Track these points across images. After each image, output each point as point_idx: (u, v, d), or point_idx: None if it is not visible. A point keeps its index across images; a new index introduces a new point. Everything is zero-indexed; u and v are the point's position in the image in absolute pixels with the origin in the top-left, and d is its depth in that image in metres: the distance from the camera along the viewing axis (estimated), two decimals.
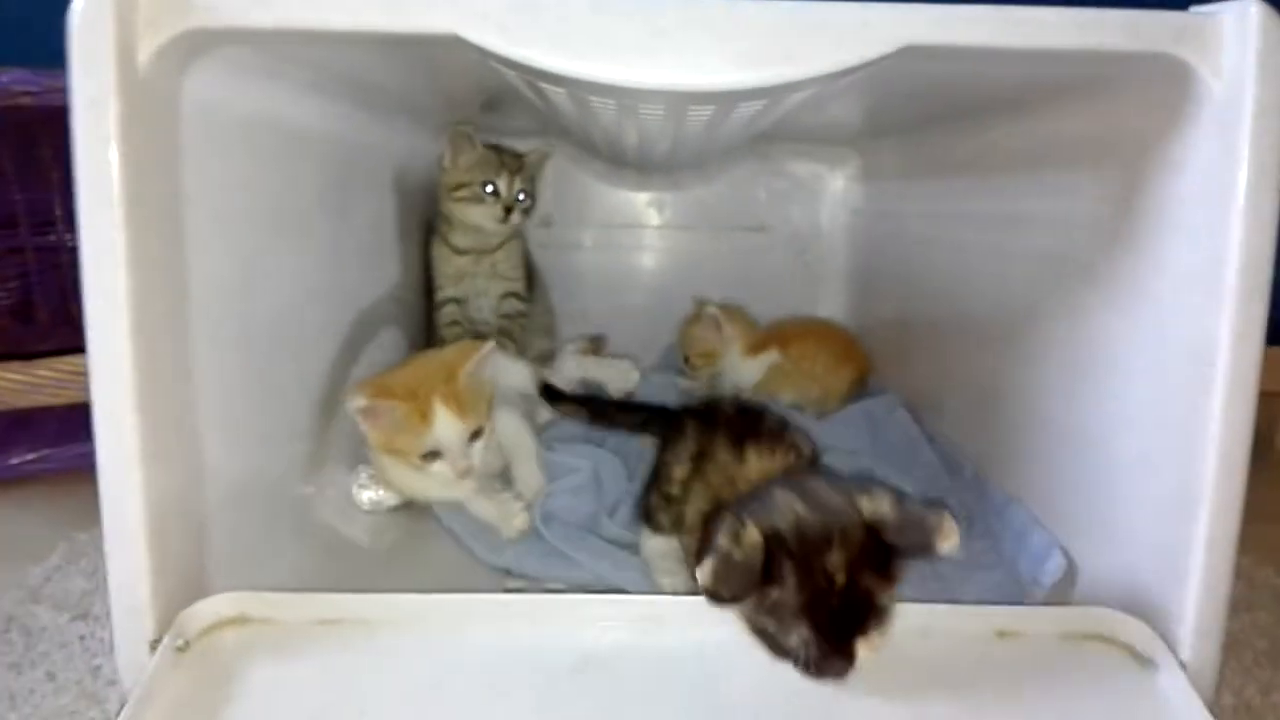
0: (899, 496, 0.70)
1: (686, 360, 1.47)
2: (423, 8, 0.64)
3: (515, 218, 1.32)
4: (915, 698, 0.68)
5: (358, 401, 0.95)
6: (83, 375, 1.08)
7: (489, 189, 1.29)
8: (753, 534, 0.67)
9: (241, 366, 0.83)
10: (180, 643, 0.69)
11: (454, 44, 0.65)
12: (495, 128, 1.37)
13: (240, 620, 0.72)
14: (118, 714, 0.76)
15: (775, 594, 0.67)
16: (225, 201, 0.79)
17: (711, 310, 1.43)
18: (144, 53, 0.64)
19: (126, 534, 0.68)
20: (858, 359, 1.43)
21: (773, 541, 0.67)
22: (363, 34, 0.66)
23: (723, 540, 0.67)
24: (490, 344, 1.02)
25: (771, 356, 1.41)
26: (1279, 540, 1.11)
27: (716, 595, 0.66)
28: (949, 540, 0.66)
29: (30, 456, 1.23)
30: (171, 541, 0.71)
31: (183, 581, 0.72)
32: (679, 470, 0.93)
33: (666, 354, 1.56)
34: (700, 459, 0.92)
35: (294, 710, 0.66)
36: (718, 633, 0.72)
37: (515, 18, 0.64)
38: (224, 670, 0.68)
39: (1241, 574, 1.01)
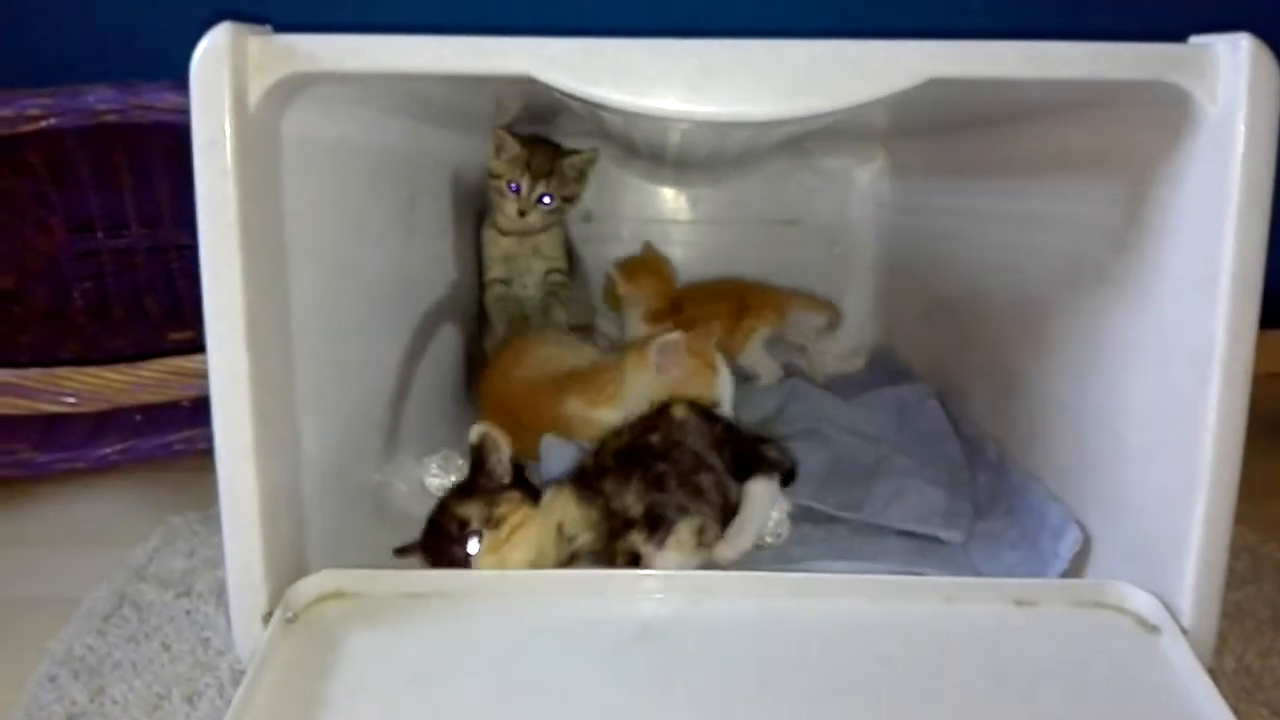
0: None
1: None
2: (499, 52, 0.72)
3: (533, 218, 1.41)
4: (944, 658, 0.75)
5: (670, 339, 1.14)
6: (180, 375, 1.20)
7: (513, 187, 1.39)
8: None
9: (329, 365, 0.91)
10: (289, 615, 0.77)
11: (526, 81, 0.73)
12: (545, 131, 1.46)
13: (339, 594, 0.80)
14: (230, 680, 0.86)
15: None
16: (317, 218, 0.87)
17: (610, 272, 1.55)
18: (254, 95, 0.72)
19: (243, 519, 0.76)
20: (755, 309, 1.54)
21: None
22: (444, 75, 0.74)
23: None
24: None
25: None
26: None
27: None
28: None
29: (117, 447, 1.32)
30: (279, 526, 0.79)
31: (288, 561, 0.80)
32: None
33: None
34: None
35: (392, 672, 0.73)
36: (763, 604, 0.80)
37: (582, 60, 0.71)
38: (328, 638, 0.75)
39: (1248, 548, 1.09)
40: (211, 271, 0.73)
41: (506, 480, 0.93)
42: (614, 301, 1.60)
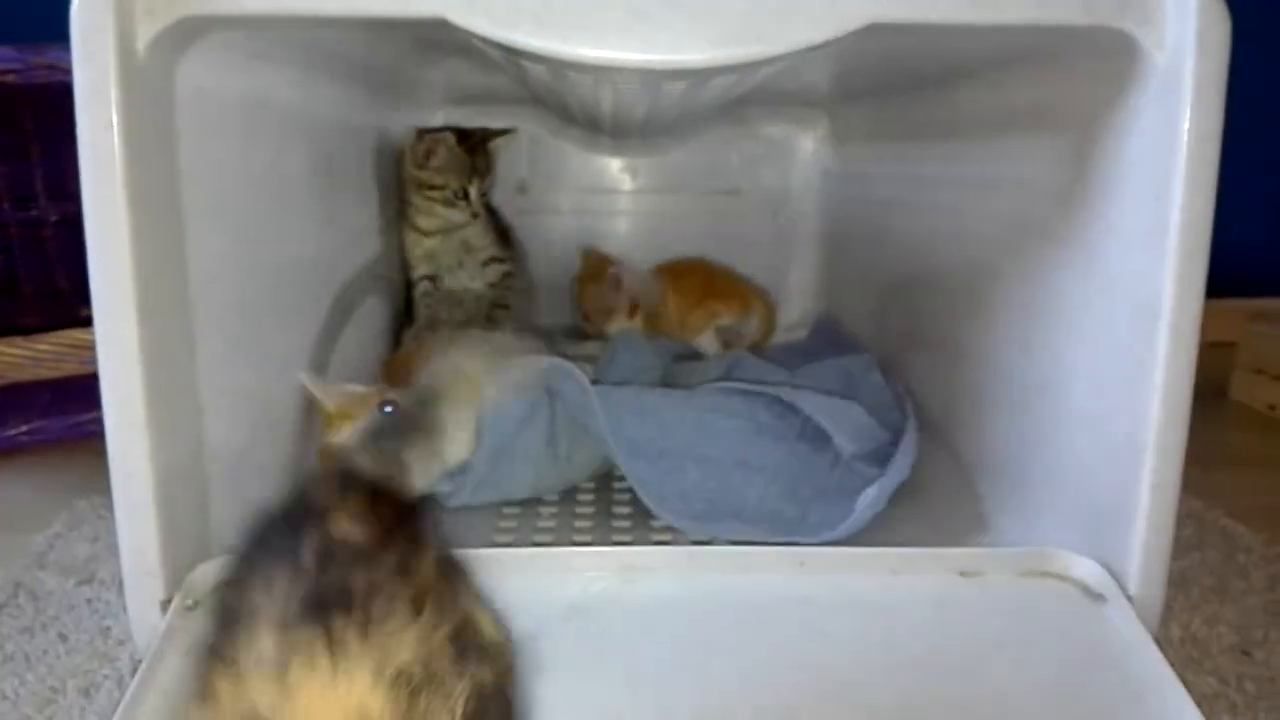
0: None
1: (586, 317, 1.54)
2: None
3: (479, 210, 1.37)
4: (887, 632, 0.73)
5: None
6: (78, 348, 1.13)
7: (459, 195, 1.34)
8: None
9: (235, 339, 0.85)
10: (190, 602, 0.72)
11: (440, 25, 0.68)
12: (472, 99, 1.40)
13: None
14: (130, 671, 0.81)
15: None
16: (220, 180, 0.81)
17: (614, 270, 1.48)
18: (142, 40, 0.67)
19: (136, 501, 0.71)
20: (725, 297, 1.51)
21: None
22: (354, 18, 0.68)
23: None
24: None
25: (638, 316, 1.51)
26: (1228, 483, 1.17)
27: None
28: None
29: (24, 428, 1.25)
30: (178, 508, 0.74)
31: (189, 545, 0.75)
32: None
33: None
34: None
35: None
36: (697, 581, 0.77)
37: (501, 1, 0.67)
38: None
39: (1193, 515, 1.08)
40: (96, 233, 0.68)
41: None
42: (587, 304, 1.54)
